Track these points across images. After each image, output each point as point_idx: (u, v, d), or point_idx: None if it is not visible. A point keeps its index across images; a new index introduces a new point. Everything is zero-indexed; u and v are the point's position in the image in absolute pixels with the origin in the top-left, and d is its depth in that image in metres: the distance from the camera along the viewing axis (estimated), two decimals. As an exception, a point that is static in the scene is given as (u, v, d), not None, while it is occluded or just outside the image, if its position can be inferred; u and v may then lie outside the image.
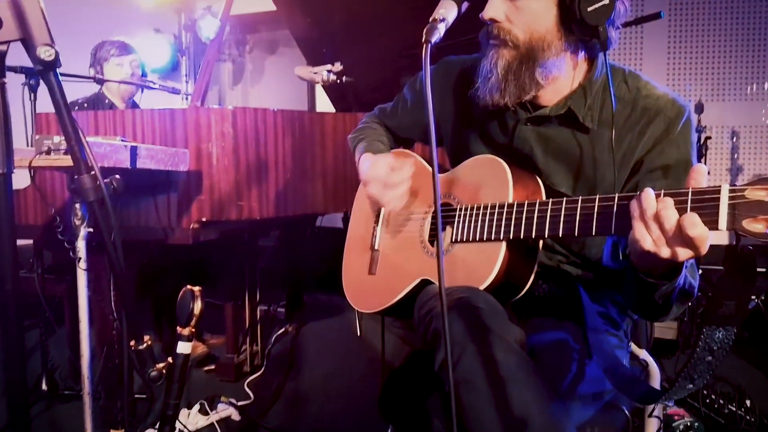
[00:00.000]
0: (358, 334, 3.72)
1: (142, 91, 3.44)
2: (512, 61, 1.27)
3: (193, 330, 1.09)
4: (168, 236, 2.26)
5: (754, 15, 4.24)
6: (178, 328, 1.09)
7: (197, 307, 1.08)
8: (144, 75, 3.47)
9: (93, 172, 0.93)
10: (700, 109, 3.45)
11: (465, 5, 1.09)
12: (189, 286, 1.08)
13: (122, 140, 1.75)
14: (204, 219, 2.20)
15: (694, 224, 0.91)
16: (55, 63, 0.90)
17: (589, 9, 1.17)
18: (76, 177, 0.94)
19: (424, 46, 0.98)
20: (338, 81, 2.67)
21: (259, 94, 6.31)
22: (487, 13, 1.26)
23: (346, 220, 4.39)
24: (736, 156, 4.29)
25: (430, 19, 1.03)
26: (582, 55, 1.32)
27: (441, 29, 1.03)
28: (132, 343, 1.01)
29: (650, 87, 1.33)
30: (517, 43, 1.26)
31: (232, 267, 3.02)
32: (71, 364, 2.70)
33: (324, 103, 5.19)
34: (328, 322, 4.00)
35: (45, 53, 0.89)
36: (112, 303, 2.00)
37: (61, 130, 0.92)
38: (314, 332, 3.76)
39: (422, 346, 1.36)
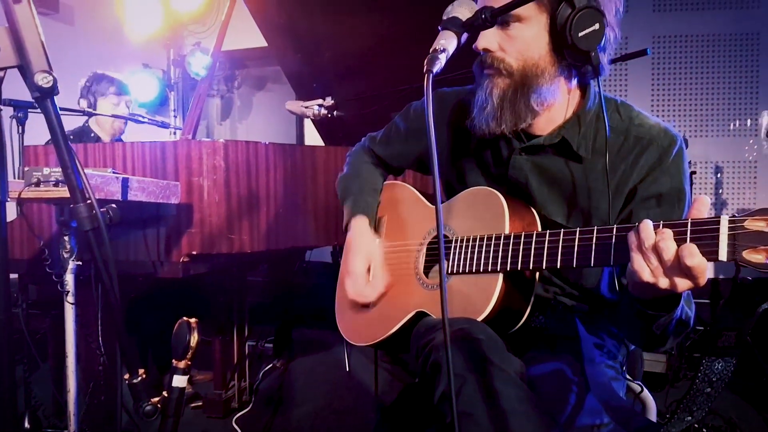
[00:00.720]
0: (347, 369, 3.67)
1: (125, 125, 3.44)
2: (507, 89, 1.28)
3: (189, 363, 1.06)
4: (157, 270, 2.22)
5: (735, 53, 4.36)
6: (174, 361, 1.06)
7: (194, 339, 1.05)
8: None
9: (89, 201, 0.92)
10: (684, 144, 3.50)
11: (465, 36, 1.10)
12: (185, 318, 1.06)
13: (113, 172, 1.74)
14: (194, 252, 2.17)
15: (692, 254, 0.91)
16: (53, 90, 0.89)
17: (580, 34, 1.19)
18: (72, 206, 0.93)
19: (426, 75, 0.99)
20: (329, 115, 2.68)
21: (247, 129, 6.34)
22: (481, 43, 1.28)
23: (334, 254, 4.37)
24: (720, 191, 4.36)
25: (431, 50, 1.04)
26: (575, 82, 1.33)
27: (442, 59, 1.04)
28: (126, 376, 0.98)
29: (642, 117, 1.35)
30: (511, 71, 1.27)
31: (221, 302, 2.98)
32: (55, 401, 2.62)
33: (312, 140, 5.22)
34: (317, 358, 3.96)
35: (43, 80, 0.88)
36: (100, 337, 1.96)
37: (57, 157, 0.90)
38: (303, 368, 3.71)
39: (419, 379, 1.34)
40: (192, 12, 5.64)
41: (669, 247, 0.94)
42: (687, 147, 3.66)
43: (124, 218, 2.17)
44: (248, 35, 4.13)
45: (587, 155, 1.33)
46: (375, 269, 1.54)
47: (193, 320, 1.06)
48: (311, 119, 2.81)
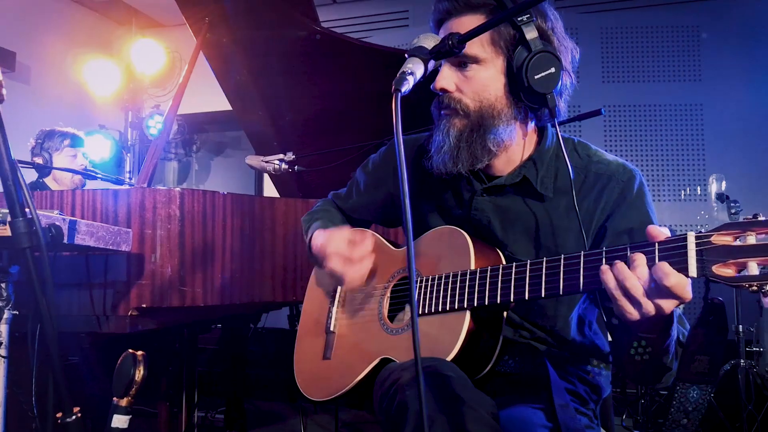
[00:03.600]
0: (303, 441, 3.49)
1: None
2: (463, 129, 1.29)
3: (132, 400, 0.95)
4: (102, 325, 2.08)
5: (682, 122, 4.60)
6: (115, 399, 0.95)
7: (139, 373, 0.95)
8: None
9: (30, 216, 0.84)
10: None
11: (432, 63, 1.10)
12: (131, 350, 0.96)
13: (60, 214, 1.64)
14: (144, 305, 2.05)
15: (667, 274, 0.93)
16: (-2, 98, 0.83)
17: (536, 77, 1.21)
18: (10, 221, 0.84)
19: (394, 95, 0.98)
20: (290, 170, 2.65)
21: (204, 192, 6.26)
22: (438, 83, 1.29)
23: (291, 318, 4.24)
24: (676, 254, 4.48)
25: (399, 72, 1.03)
26: (532, 125, 1.35)
27: (410, 81, 1.03)
28: (59, 414, 0.87)
29: (600, 153, 1.37)
30: (468, 111, 1.28)
31: (169, 368, 2.82)
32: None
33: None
34: (271, 430, 3.77)
35: (-13, 85, 0.82)
36: (33, 397, 1.79)
37: (-2, 169, 0.83)
38: (255, 440, 3.51)
39: (383, 429, 1.25)
40: (152, 75, 5.68)
41: (643, 274, 0.96)
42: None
43: (67, 270, 2.05)
44: (209, 99, 4.15)
45: (549, 194, 1.33)
46: (359, 238, 1.42)
47: (139, 353, 0.96)
48: (270, 174, 2.76)
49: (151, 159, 2.35)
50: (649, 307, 0.96)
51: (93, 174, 3.01)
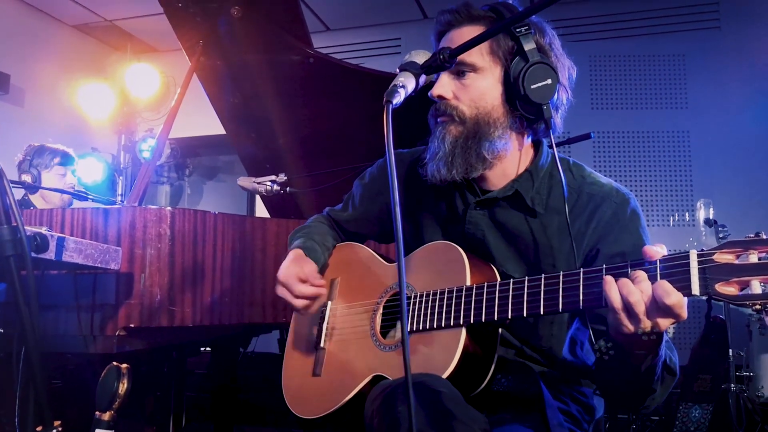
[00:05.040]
0: (292, 468, 3.43)
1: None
2: (459, 136, 1.29)
3: (114, 414, 0.93)
4: (89, 345, 2.05)
5: (669, 149, 4.64)
6: (97, 413, 0.93)
7: (122, 386, 0.93)
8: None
9: (14, 224, 0.83)
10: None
11: (423, 78, 1.11)
12: (115, 363, 0.95)
13: (48, 230, 1.62)
14: (132, 325, 2.02)
15: (668, 293, 0.92)
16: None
17: (533, 87, 1.22)
18: (-5, 228, 0.83)
19: (385, 106, 0.98)
20: (282, 191, 2.65)
21: (195, 217, 6.24)
22: (436, 90, 1.30)
23: (282, 342, 4.19)
24: (665, 279, 4.50)
25: (391, 85, 1.04)
26: (528, 141, 1.35)
27: (401, 93, 1.05)
28: (39, 428, 0.84)
29: (594, 175, 1.37)
30: (464, 118, 1.29)
31: (157, 393, 2.78)
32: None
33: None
34: (259, 456, 3.69)
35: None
36: (16, 418, 1.75)
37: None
38: (243, 466, 3.44)
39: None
40: (146, 99, 5.70)
41: (647, 290, 0.95)
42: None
43: (55, 288, 2.03)
44: (202, 122, 4.15)
45: (541, 210, 1.32)
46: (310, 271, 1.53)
47: (123, 366, 0.95)
48: (261, 195, 2.75)
49: (142, 179, 2.35)
50: (646, 323, 0.96)
51: (84, 195, 2.99)
